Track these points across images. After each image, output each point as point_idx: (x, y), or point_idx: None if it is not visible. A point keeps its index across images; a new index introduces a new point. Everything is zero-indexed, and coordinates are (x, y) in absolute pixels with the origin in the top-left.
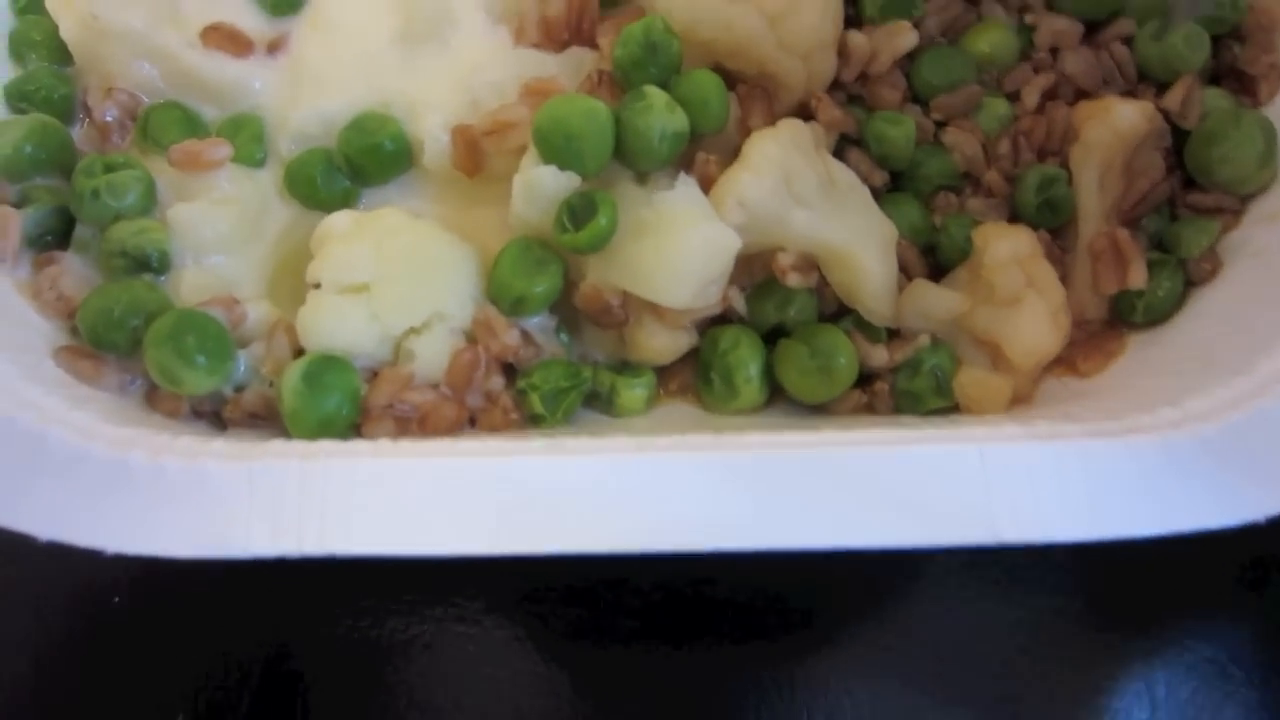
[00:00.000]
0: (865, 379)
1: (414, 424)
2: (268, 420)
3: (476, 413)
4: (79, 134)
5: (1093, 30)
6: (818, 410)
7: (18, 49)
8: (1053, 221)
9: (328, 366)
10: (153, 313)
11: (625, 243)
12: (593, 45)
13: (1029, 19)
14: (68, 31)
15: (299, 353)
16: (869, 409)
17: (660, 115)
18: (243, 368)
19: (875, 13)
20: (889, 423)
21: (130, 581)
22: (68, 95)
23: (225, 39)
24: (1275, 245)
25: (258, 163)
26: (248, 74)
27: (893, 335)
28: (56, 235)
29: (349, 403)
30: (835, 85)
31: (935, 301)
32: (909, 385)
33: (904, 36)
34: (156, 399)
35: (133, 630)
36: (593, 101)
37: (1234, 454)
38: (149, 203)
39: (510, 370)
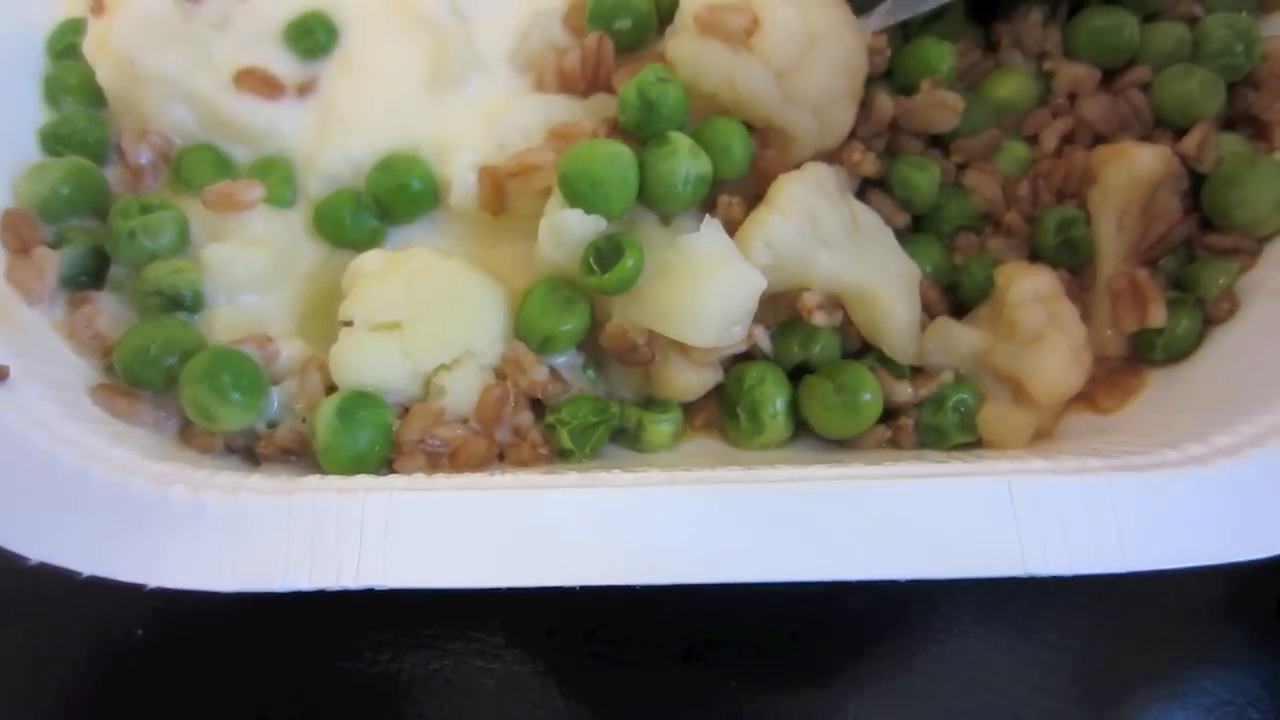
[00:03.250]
0: (889, 414)
1: (445, 459)
2: (300, 456)
3: (506, 448)
4: (112, 175)
5: (1110, 76)
6: (842, 445)
7: (53, 93)
8: (1071, 261)
9: (361, 403)
10: (187, 351)
11: (651, 284)
12: (613, 91)
13: (1047, 65)
14: (103, 76)
15: (331, 389)
16: (893, 444)
17: (684, 160)
18: (276, 404)
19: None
20: (914, 457)
21: (152, 614)
22: (102, 138)
23: (258, 82)
24: None
25: (288, 203)
26: (278, 116)
27: (916, 372)
28: (91, 275)
29: (381, 438)
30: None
31: (958, 339)
32: (933, 420)
33: (944, 115)
34: (190, 435)
35: (153, 664)
36: (617, 146)
37: (1258, 489)
38: (183, 243)
39: (539, 406)
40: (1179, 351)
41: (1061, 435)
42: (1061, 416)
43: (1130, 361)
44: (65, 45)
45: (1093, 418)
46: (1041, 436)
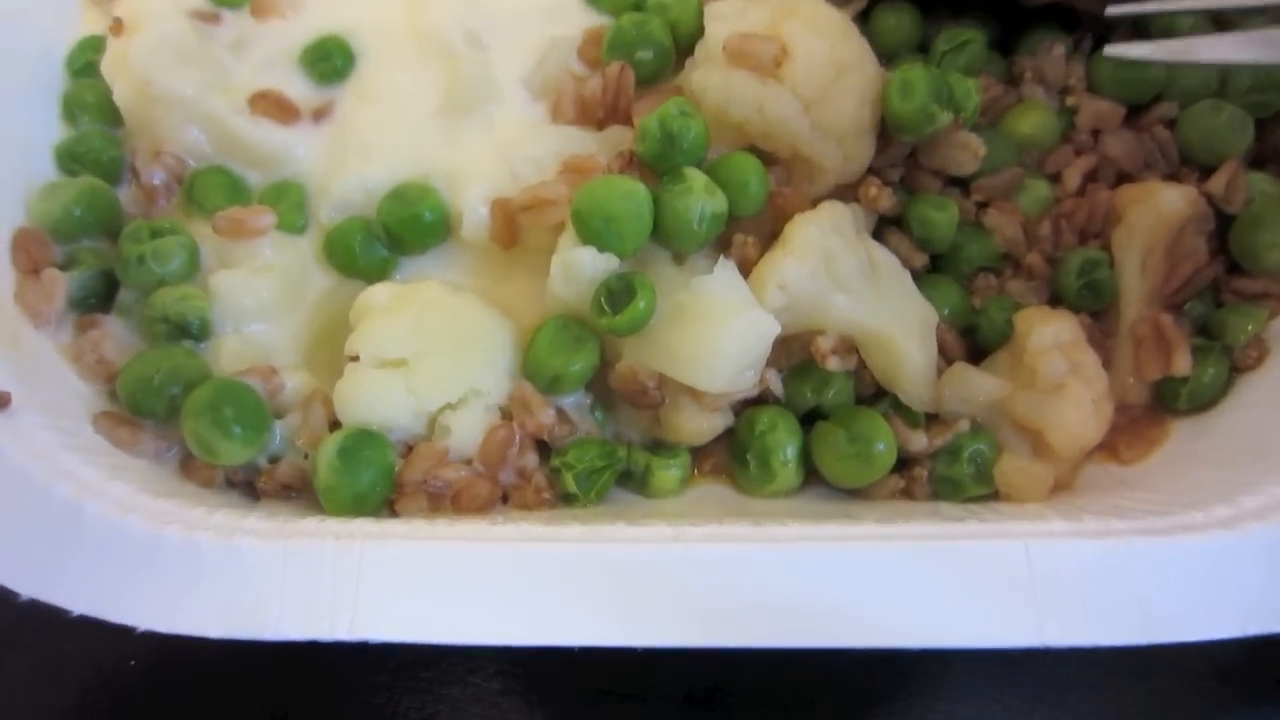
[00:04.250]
0: (903, 463)
1: (447, 500)
2: (301, 492)
3: (509, 490)
4: (125, 195)
5: (1135, 113)
6: (854, 495)
7: (70, 110)
8: (1094, 305)
9: (364, 442)
10: (192, 381)
11: (662, 326)
12: (630, 123)
13: (1070, 101)
14: (121, 96)
15: (335, 424)
16: (906, 494)
17: (700, 197)
18: (278, 438)
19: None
20: (927, 510)
21: (145, 650)
22: (117, 158)
23: (273, 106)
24: None
25: (299, 229)
26: (293, 141)
27: (931, 419)
28: (100, 298)
29: (383, 479)
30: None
31: (976, 386)
32: (948, 471)
33: (965, 157)
34: (191, 468)
35: (144, 699)
36: (632, 183)
37: None
38: (192, 269)
39: (544, 448)
40: (1204, 401)
41: (1081, 487)
42: (1081, 468)
43: (1153, 410)
44: (84, 63)
45: (1114, 468)
46: (1060, 488)
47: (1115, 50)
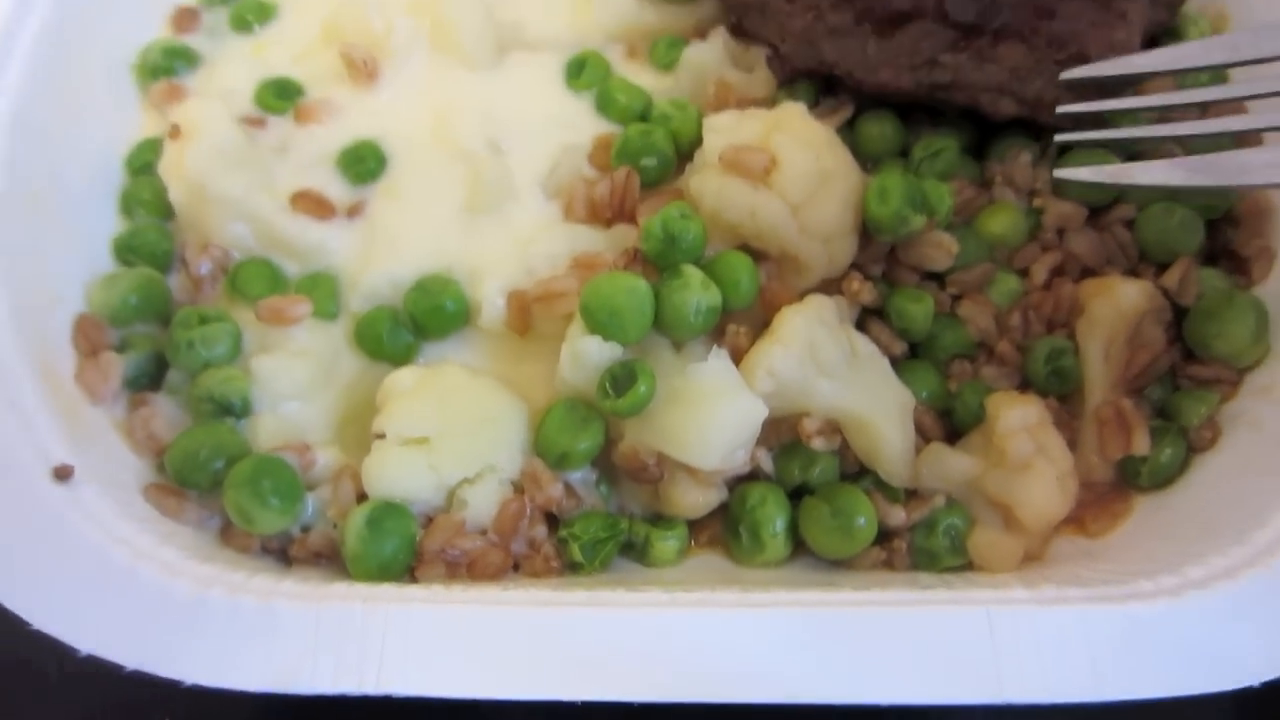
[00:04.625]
0: (884, 536)
1: (463, 568)
2: (330, 559)
3: (520, 559)
4: (175, 282)
5: (1096, 213)
6: (839, 565)
7: (128, 205)
8: (1061, 389)
9: (388, 513)
10: (233, 455)
11: (662, 408)
12: (635, 223)
13: (1037, 202)
14: (175, 194)
15: (362, 496)
16: (888, 565)
17: (696, 292)
18: (310, 510)
19: (889, 214)
20: (906, 580)
21: (185, 705)
22: (169, 249)
23: (312, 204)
24: (1271, 417)
25: (331, 316)
26: (328, 236)
27: (911, 495)
28: (151, 378)
29: (406, 547)
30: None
31: (950, 464)
32: (925, 543)
33: (940, 254)
34: (230, 535)
35: None
36: (635, 278)
37: (1229, 621)
38: (235, 352)
39: (553, 520)
40: (1164, 479)
41: (1052, 559)
42: (1051, 540)
43: (1118, 487)
44: (142, 163)
45: (1083, 541)
46: (1031, 560)
47: (1062, 173)
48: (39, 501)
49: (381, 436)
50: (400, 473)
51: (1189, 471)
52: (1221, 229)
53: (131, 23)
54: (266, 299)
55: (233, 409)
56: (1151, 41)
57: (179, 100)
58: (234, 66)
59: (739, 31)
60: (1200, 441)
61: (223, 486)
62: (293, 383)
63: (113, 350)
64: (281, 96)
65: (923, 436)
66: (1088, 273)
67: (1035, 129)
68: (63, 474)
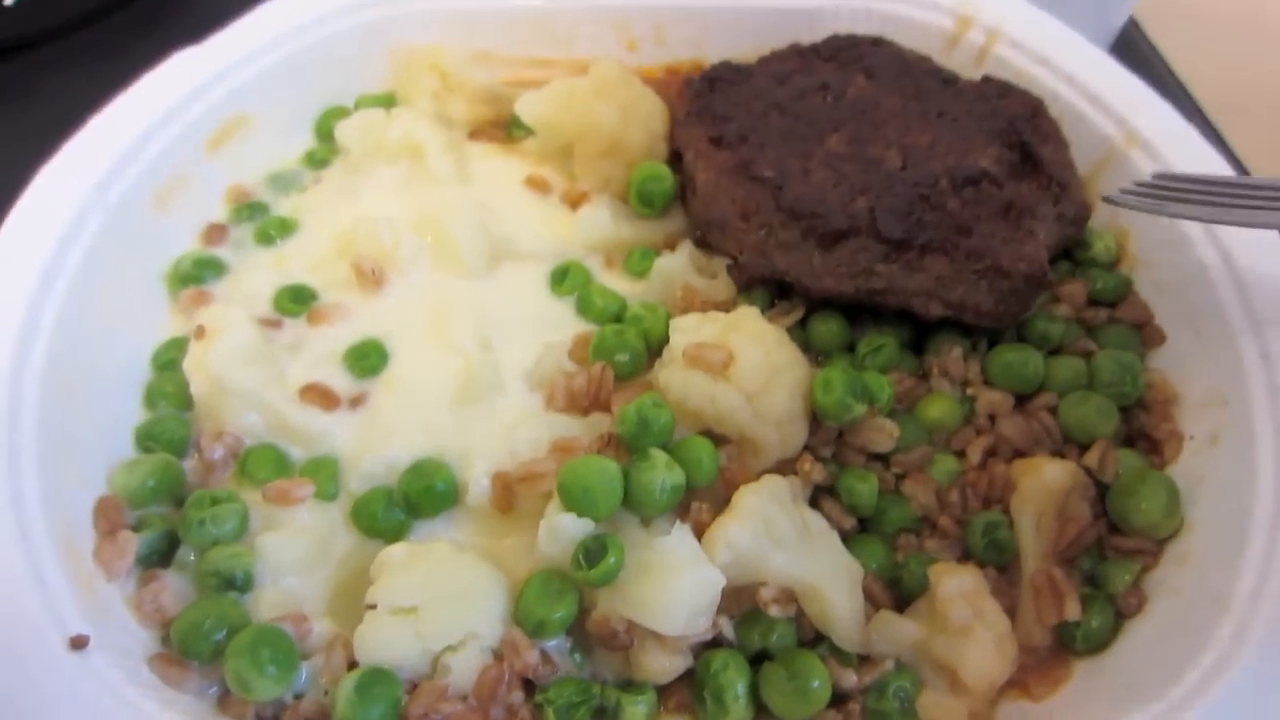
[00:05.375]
0: (839, 699)
1: None
2: None
3: None
4: (189, 466)
5: (1023, 400)
6: None
7: (152, 397)
8: (999, 560)
9: (377, 679)
10: (235, 627)
11: (631, 578)
12: (609, 411)
13: (970, 391)
14: (196, 388)
15: (352, 664)
16: None
17: (661, 472)
18: (304, 678)
19: (833, 402)
20: None
21: None
22: (186, 436)
23: (319, 396)
24: (1187, 584)
25: (331, 497)
26: (332, 424)
27: (863, 660)
28: (162, 555)
29: (391, 712)
30: (806, 447)
31: (898, 630)
32: (877, 705)
33: (882, 438)
34: (227, 703)
35: None
36: (607, 461)
37: None
38: (242, 530)
39: (530, 685)
40: (1097, 643)
41: None
42: (997, 704)
43: (1057, 653)
44: (167, 360)
45: (1027, 704)
46: None
47: (1110, 197)
48: (55, 668)
49: (373, 607)
50: (389, 641)
51: (1122, 636)
52: (1136, 414)
53: (167, 238)
54: (273, 481)
55: (236, 582)
56: (1064, 254)
57: (205, 305)
58: (256, 275)
59: (703, 244)
60: (1128, 608)
61: (224, 656)
62: (293, 558)
63: (129, 529)
64: (297, 301)
65: (873, 604)
66: (1018, 454)
67: (965, 327)
68: (78, 644)
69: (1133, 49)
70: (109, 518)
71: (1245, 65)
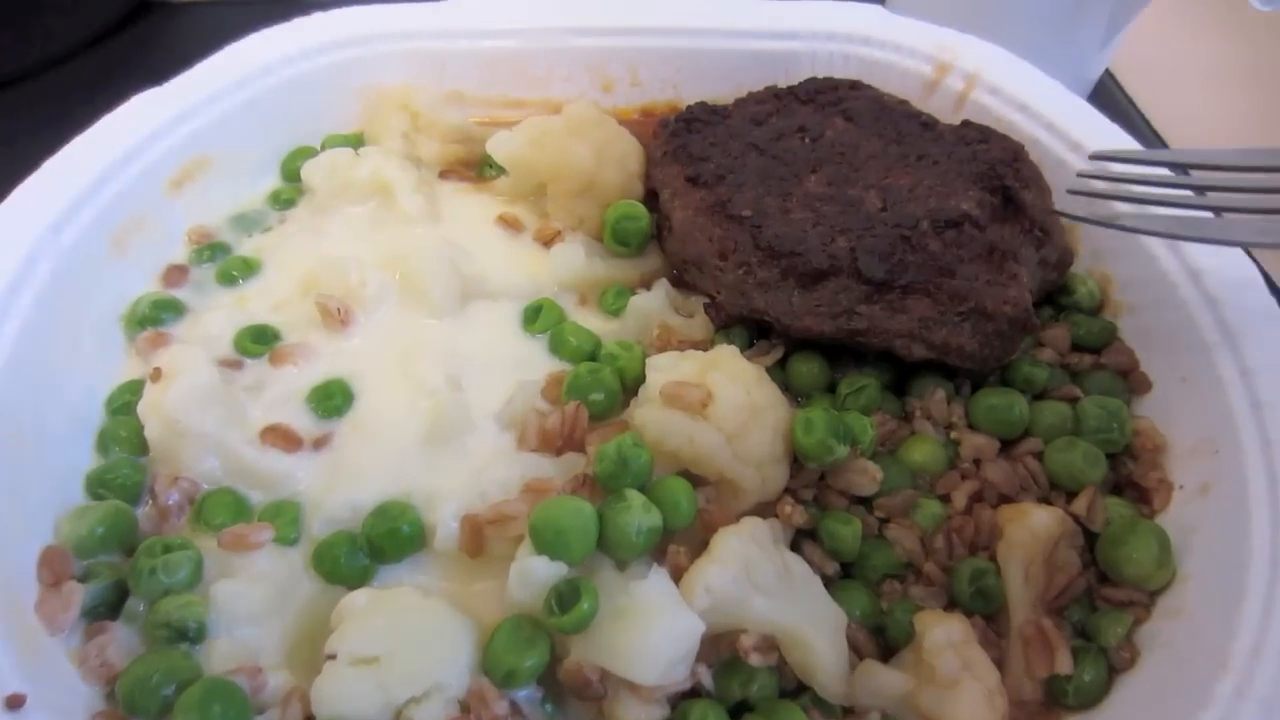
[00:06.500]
0: None
1: None
2: None
3: None
4: (142, 513)
5: (1008, 445)
6: None
7: (104, 443)
8: (986, 608)
9: None
10: (185, 681)
11: (605, 625)
12: (584, 451)
13: (954, 435)
14: (151, 431)
15: (309, 718)
16: None
17: (638, 514)
18: None
19: (814, 443)
20: None
21: None
22: (139, 482)
23: (280, 437)
24: (1181, 638)
25: (291, 541)
26: (295, 466)
27: (847, 712)
28: (109, 606)
29: None
30: (787, 489)
31: (883, 681)
32: None
33: (865, 480)
34: None
35: None
36: (580, 502)
37: None
38: (196, 579)
39: None
40: (1089, 698)
41: None
42: None
43: (1049, 707)
44: (121, 403)
45: None
46: None
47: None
48: None
49: (333, 657)
50: (349, 692)
51: (1114, 691)
52: (1123, 462)
53: (125, 280)
54: (230, 527)
55: (188, 633)
56: (1047, 299)
57: (163, 346)
58: (217, 315)
59: (680, 283)
60: (1120, 661)
61: (171, 712)
62: (249, 607)
63: (75, 580)
64: (259, 341)
65: (857, 653)
66: (1004, 499)
67: (948, 369)
68: (14, 703)
69: (1109, 100)
70: (54, 569)
71: (1220, 117)
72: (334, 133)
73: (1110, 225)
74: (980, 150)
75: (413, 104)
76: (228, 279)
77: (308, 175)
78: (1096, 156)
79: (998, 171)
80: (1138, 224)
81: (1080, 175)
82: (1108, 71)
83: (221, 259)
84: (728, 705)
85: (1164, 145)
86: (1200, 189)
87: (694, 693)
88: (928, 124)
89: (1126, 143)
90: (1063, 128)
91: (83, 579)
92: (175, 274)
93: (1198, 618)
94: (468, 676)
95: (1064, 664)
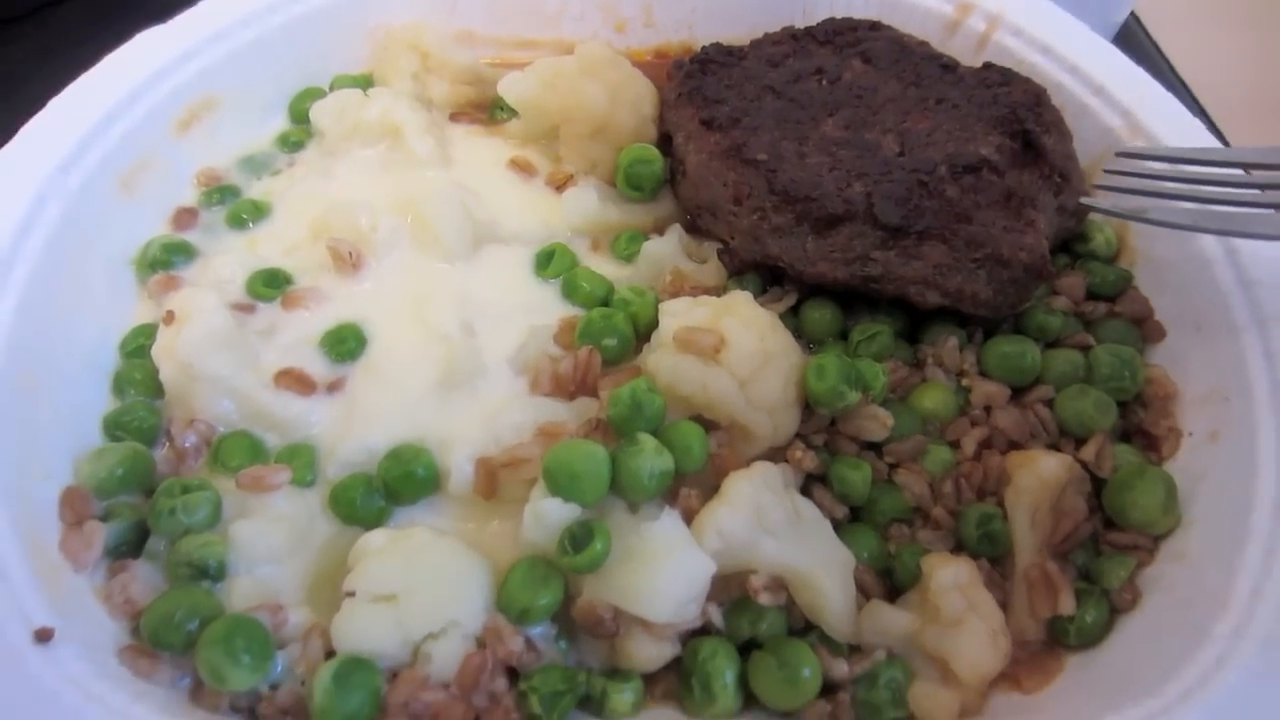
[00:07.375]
0: (829, 689)
1: None
2: (297, 716)
3: (481, 712)
4: (160, 455)
5: (1019, 392)
6: (787, 717)
7: (120, 385)
8: (992, 552)
9: (355, 668)
10: (207, 617)
11: (617, 565)
12: (596, 396)
13: (965, 382)
14: (165, 374)
15: (330, 653)
16: (833, 717)
17: (650, 457)
18: (280, 667)
19: (826, 389)
20: None
21: None
22: (156, 424)
23: (294, 381)
24: (1183, 581)
25: (308, 484)
26: (309, 410)
27: (854, 650)
28: (131, 545)
29: (371, 701)
30: (798, 434)
31: (890, 620)
32: (868, 696)
33: (876, 426)
34: (200, 695)
35: None
36: (594, 445)
37: None
38: (215, 519)
39: (513, 673)
40: (1090, 638)
41: (990, 713)
42: (988, 696)
43: (1050, 646)
44: (136, 347)
45: (1019, 697)
46: (969, 714)
47: (1088, 202)
48: (19, 662)
49: (351, 594)
50: (368, 628)
51: (1115, 631)
52: (1133, 410)
53: (135, 223)
54: (248, 468)
55: (209, 572)
56: (1063, 247)
57: (175, 290)
58: (228, 259)
59: (693, 229)
60: (1122, 603)
61: (196, 646)
62: (268, 546)
63: (97, 519)
64: (271, 285)
65: (864, 594)
66: (1013, 446)
67: (961, 317)
68: (43, 636)
69: (1133, 43)
70: (75, 508)
71: (1245, 63)
72: (343, 73)
73: (1138, 219)
74: (1001, 93)
75: (422, 44)
76: (238, 222)
77: (316, 117)
78: (1123, 154)
79: (1019, 115)
80: (1166, 218)
81: (1107, 171)
82: (1133, 14)
83: (231, 202)
84: (737, 643)
85: (1186, 88)
86: (1222, 184)
87: (704, 630)
88: (948, 66)
89: (1150, 87)
90: (1087, 71)
91: (104, 518)
92: (185, 217)
93: (1200, 561)
94: (483, 614)
95: (1067, 605)
